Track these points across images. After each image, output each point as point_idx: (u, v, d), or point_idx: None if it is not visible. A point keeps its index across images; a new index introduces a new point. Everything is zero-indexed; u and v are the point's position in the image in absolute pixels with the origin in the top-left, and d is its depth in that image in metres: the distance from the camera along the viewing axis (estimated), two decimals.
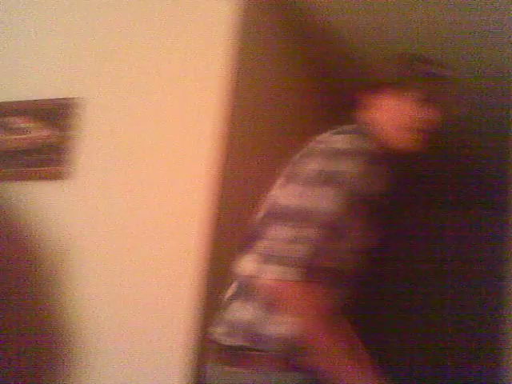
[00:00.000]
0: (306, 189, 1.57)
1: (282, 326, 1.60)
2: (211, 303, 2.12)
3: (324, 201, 1.54)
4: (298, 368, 1.61)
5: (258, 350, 1.61)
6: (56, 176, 2.36)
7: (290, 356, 1.61)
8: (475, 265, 4.42)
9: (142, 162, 2.33)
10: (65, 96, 2.41)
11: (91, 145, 2.38)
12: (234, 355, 1.63)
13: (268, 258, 1.55)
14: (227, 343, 1.64)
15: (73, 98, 2.40)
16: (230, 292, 1.72)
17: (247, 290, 1.65)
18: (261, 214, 1.70)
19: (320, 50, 3.09)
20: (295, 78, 2.98)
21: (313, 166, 1.59)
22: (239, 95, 2.34)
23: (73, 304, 2.28)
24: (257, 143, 2.53)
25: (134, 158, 2.34)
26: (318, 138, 1.67)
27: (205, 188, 2.24)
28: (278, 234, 1.55)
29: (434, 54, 2.66)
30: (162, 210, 2.28)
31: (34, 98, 2.43)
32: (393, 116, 1.76)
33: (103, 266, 2.29)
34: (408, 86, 1.75)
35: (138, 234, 2.28)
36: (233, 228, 2.31)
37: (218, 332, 1.68)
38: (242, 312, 1.64)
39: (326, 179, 1.55)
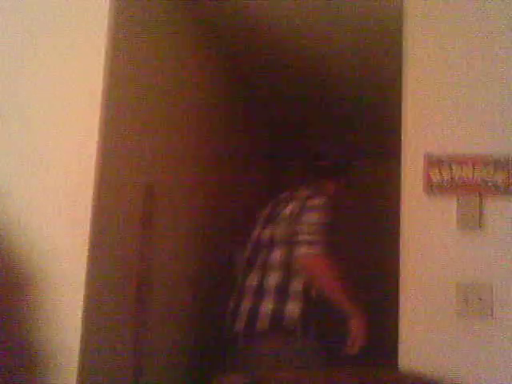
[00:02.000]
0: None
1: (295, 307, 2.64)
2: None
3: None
4: (314, 337, 2.64)
5: (281, 329, 2.63)
6: None
7: (306, 328, 2.63)
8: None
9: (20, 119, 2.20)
10: None
11: None
12: (265, 336, 2.63)
13: (299, 245, 2.67)
14: (259, 329, 2.65)
15: None
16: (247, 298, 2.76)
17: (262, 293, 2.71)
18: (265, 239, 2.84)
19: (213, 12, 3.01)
20: (185, 42, 2.90)
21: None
22: (119, 51, 2.26)
23: None
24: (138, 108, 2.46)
25: (14, 115, 2.20)
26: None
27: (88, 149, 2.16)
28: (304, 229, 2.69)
29: None
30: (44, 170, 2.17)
31: None
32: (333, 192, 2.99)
33: None
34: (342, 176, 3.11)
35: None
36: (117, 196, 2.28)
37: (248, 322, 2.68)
38: (264, 307, 2.66)
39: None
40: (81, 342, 2.02)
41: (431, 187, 2.28)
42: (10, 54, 2.22)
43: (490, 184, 2.27)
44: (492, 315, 2.21)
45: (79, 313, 2.04)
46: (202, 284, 3.08)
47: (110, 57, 2.19)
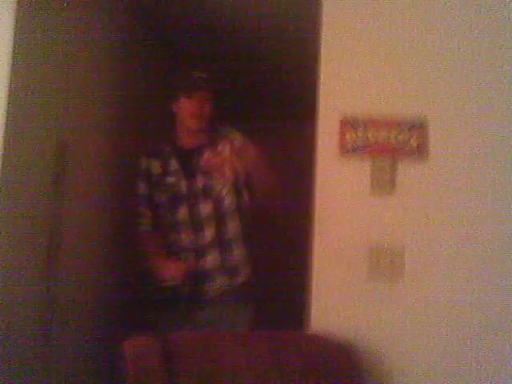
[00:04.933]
0: None
1: None
2: None
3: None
4: None
5: None
6: None
7: None
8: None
9: None
10: None
11: None
12: None
13: None
14: None
15: None
16: None
17: None
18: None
19: None
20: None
21: None
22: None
23: None
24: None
25: None
26: None
27: None
28: None
29: None
30: None
31: None
32: (179, 112, 2.72)
33: None
34: (177, 90, 2.70)
35: None
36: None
37: None
38: None
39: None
40: None
41: (346, 150, 2.28)
42: None
43: (405, 147, 2.28)
44: (403, 278, 2.24)
45: None
46: (118, 243, 3.04)
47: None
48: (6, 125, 2.10)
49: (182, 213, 2.68)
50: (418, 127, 2.27)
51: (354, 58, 2.31)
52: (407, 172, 2.27)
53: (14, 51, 2.12)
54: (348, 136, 2.28)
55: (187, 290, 2.63)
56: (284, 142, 4.72)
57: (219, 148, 2.66)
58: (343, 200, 2.27)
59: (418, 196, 2.27)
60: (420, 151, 2.27)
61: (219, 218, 2.68)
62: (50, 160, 2.39)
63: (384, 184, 2.27)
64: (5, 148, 2.09)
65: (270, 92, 4.20)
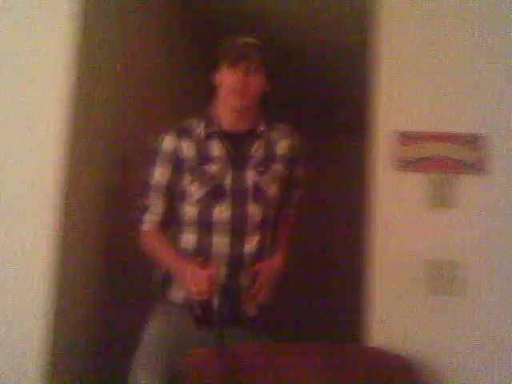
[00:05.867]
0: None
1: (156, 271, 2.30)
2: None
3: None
4: (170, 299, 2.26)
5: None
6: None
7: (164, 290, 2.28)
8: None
9: None
10: None
11: None
12: None
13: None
14: None
15: None
16: None
17: None
18: None
19: None
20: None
21: None
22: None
23: None
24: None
25: None
26: None
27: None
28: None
29: None
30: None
31: None
32: (220, 85, 2.25)
33: None
34: (220, 59, 2.23)
35: None
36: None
37: None
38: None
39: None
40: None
41: (404, 165, 2.27)
42: None
43: (463, 162, 2.26)
44: (464, 293, 2.22)
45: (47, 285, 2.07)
46: None
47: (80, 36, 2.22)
48: (69, 142, 2.17)
49: (221, 212, 2.21)
50: (477, 142, 2.26)
51: (413, 70, 2.31)
52: (466, 187, 2.25)
53: (78, 64, 2.19)
54: (405, 150, 2.27)
55: (222, 308, 2.13)
56: (338, 156, 4.71)
57: (271, 138, 2.31)
58: (401, 214, 2.26)
59: (478, 211, 2.24)
60: (479, 166, 2.25)
61: (265, 226, 2.27)
62: (112, 177, 2.46)
63: (443, 199, 2.26)
64: (68, 169, 2.16)
65: (323, 106, 4.19)
